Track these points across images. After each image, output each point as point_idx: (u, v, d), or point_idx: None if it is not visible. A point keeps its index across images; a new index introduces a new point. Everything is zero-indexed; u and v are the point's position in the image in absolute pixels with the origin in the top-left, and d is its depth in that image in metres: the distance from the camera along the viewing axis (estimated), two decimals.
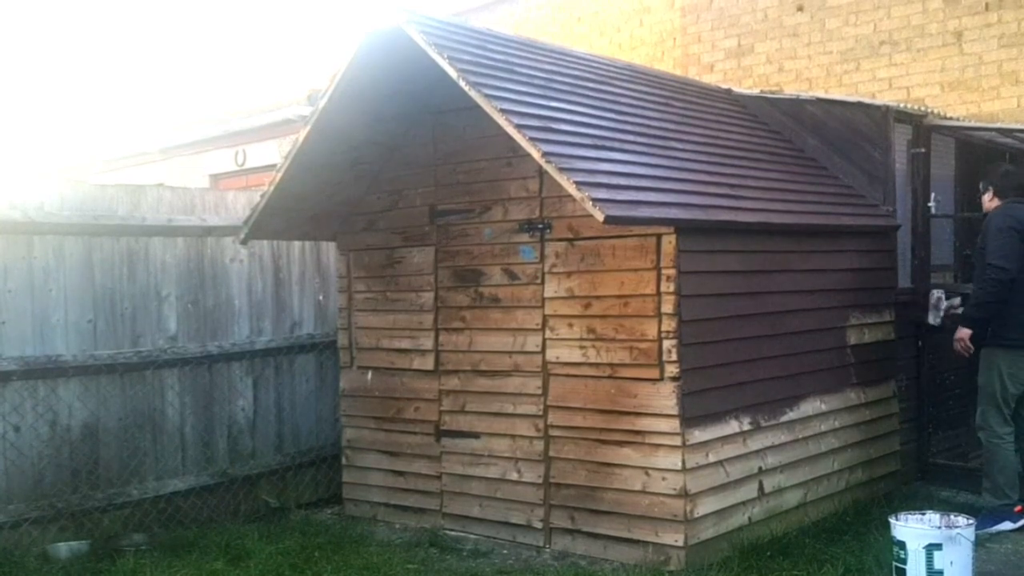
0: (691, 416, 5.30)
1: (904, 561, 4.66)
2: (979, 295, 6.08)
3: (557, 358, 5.76)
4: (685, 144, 6.28)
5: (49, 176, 14.48)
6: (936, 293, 6.86)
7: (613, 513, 5.51)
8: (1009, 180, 6.23)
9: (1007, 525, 5.87)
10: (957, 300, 6.81)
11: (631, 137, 5.87)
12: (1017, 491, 5.97)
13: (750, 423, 5.70)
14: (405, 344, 6.51)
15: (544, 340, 5.81)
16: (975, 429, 6.23)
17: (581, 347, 5.63)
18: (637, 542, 5.41)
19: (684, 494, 5.25)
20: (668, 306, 5.27)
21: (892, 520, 4.80)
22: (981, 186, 6.36)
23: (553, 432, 5.79)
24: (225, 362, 6.84)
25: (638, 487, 5.41)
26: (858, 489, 6.54)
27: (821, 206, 6.54)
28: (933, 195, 7.24)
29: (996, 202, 6.20)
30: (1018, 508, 5.93)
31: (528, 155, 5.15)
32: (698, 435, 5.34)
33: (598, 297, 5.55)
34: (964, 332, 6.19)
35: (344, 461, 6.94)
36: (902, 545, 4.68)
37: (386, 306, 6.62)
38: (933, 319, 6.84)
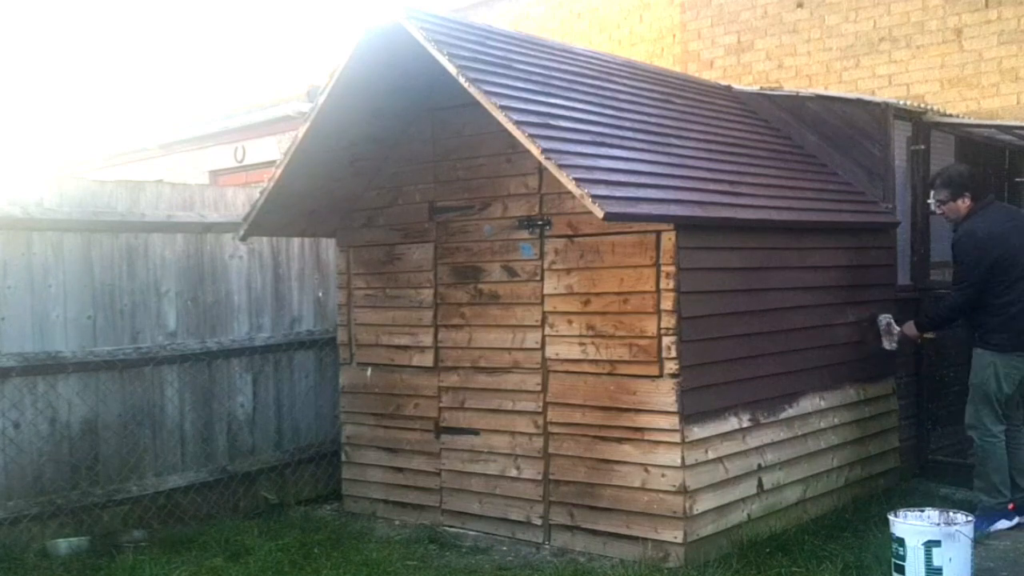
0: (690, 413, 5.30)
1: (903, 558, 4.66)
2: (941, 312, 6.30)
3: (556, 355, 5.76)
4: (684, 141, 6.28)
5: (48, 172, 14.48)
6: (884, 318, 6.68)
7: (612, 510, 5.52)
8: (974, 180, 6.17)
9: (1003, 523, 5.86)
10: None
11: (630, 134, 5.87)
12: (1010, 489, 5.95)
13: (749, 420, 5.71)
14: (404, 341, 6.51)
15: (543, 337, 5.81)
16: (966, 428, 6.17)
17: (580, 344, 5.63)
18: (636, 539, 5.41)
19: (683, 491, 5.25)
20: (667, 303, 5.27)
21: (891, 517, 4.81)
22: (948, 192, 6.11)
23: (552, 429, 5.79)
24: (224, 358, 6.84)
25: (637, 484, 5.41)
26: (857, 486, 6.55)
27: (821, 203, 6.54)
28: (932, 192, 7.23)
29: (969, 204, 6.07)
30: (1011, 505, 5.91)
31: (527, 152, 5.14)
32: (697, 432, 5.35)
33: (597, 294, 5.55)
34: (914, 332, 6.50)
35: (343, 457, 6.94)
36: (901, 542, 4.68)
37: (386, 303, 6.62)
38: (888, 344, 6.67)
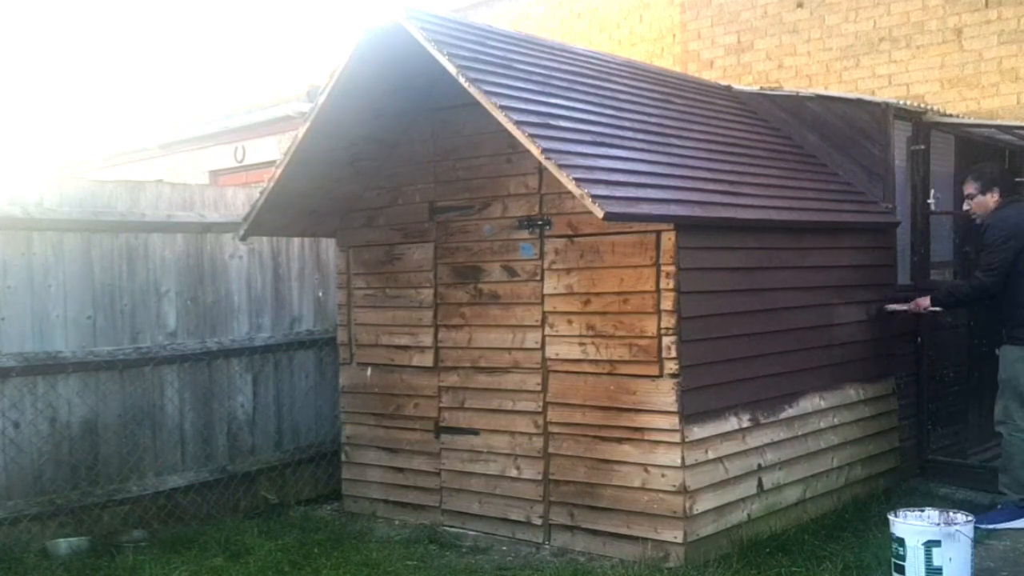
0: (690, 413, 5.30)
1: (903, 558, 4.66)
2: (965, 291, 6.36)
3: (556, 355, 5.76)
4: (684, 141, 6.28)
5: (48, 172, 14.48)
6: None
7: (612, 510, 5.52)
8: (1002, 179, 6.32)
9: (1021, 523, 5.82)
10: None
11: (630, 134, 5.87)
12: None
13: (749, 420, 5.71)
14: (404, 340, 6.51)
15: (543, 337, 5.81)
16: (994, 424, 6.20)
17: (580, 344, 5.63)
18: (636, 539, 5.41)
19: (683, 491, 5.25)
20: (667, 303, 5.27)
21: (891, 517, 4.80)
22: (979, 185, 6.29)
23: (552, 429, 5.79)
24: (224, 358, 6.84)
25: (637, 484, 5.41)
26: (857, 486, 6.55)
27: (821, 203, 6.54)
28: (933, 192, 7.24)
29: (997, 199, 6.25)
30: None
31: (527, 152, 5.14)
32: (697, 432, 5.35)
33: (597, 294, 5.55)
34: (926, 303, 6.52)
35: (343, 457, 6.94)
36: (901, 542, 4.68)
37: (385, 302, 6.62)
38: (892, 304, 6.75)
